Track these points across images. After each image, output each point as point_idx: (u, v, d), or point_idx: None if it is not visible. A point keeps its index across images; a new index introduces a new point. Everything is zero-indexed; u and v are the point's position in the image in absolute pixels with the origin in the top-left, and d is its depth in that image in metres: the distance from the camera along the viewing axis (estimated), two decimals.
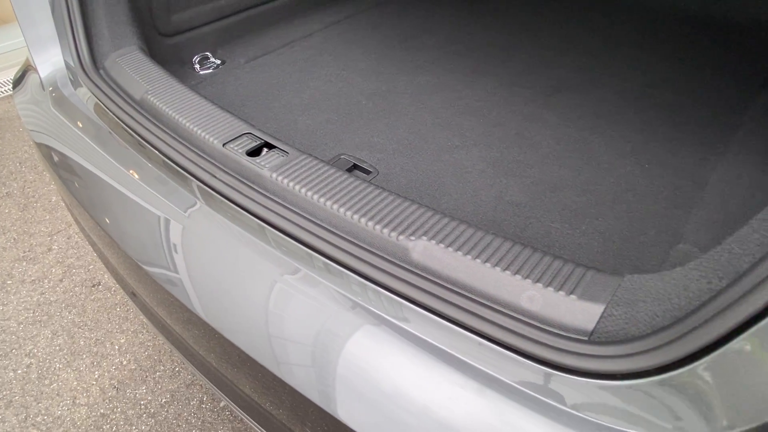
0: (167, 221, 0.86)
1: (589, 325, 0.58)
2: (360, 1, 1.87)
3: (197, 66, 1.49)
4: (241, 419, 1.53)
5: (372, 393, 0.63)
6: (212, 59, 1.52)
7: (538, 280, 0.62)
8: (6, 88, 3.13)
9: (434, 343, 0.61)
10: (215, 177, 0.83)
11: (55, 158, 1.12)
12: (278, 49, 1.61)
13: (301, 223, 0.75)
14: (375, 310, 0.65)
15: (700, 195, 1.01)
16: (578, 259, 0.87)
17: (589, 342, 0.57)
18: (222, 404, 1.58)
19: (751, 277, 0.45)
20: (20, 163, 2.56)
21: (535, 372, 0.57)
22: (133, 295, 1.27)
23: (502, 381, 0.58)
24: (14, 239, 2.14)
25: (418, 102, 1.35)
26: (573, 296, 0.60)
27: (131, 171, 0.96)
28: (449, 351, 0.61)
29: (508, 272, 0.64)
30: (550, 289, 0.61)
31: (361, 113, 1.31)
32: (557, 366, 0.56)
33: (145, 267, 0.88)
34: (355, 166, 1.13)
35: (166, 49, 1.44)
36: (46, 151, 1.14)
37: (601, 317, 0.58)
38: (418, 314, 0.64)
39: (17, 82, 1.36)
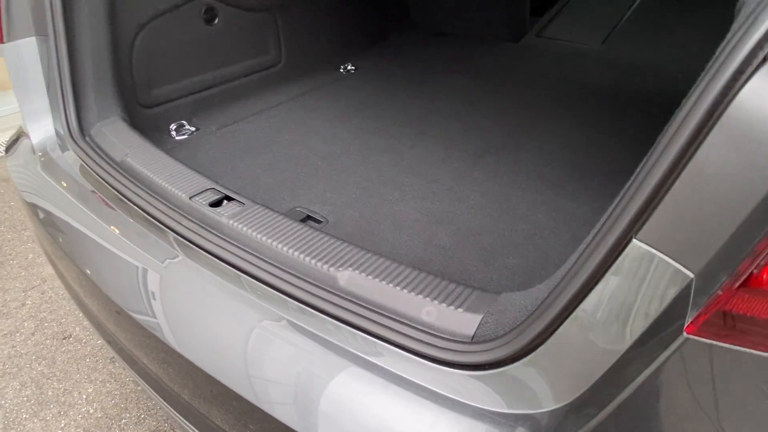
0: (144, 269, 1.01)
1: (471, 331, 0.74)
2: (322, 77, 2.13)
3: (174, 132, 1.69)
4: None
5: (302, 394, 0.77)
6: (187, 126, 1.72)
7: (435, 298, 0.79)
8: None
9: (348, 348, 0.77)
10: (181, 224, 0.99)
11: (42, 215, 1.27)
12: (247, 117, 1.82)
13: (250, 259, 0.91)
14: (305, 326, 0.81)
15: None
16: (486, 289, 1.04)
17: (470, 343, 0.73)
18: None
19: (562, 284, 0.63)
20: None
21: (428, 369, 0.73)
22: (109, 342, 1.38)
23: (403, 377, 0.73)
24: None
25: (367, 162, 1.55)
26: (460, 309, 0.77)
27: (112, 225, 1.11)
28: (360, 354, 0.76)
29: (413, 293, 0.80)
30: (444, 305, 0.78)
31: (316, 172, 1.50)
32: (444, 362, 0.72)
33: (121, 306, 1.02)
34: (308, 217, 1.31)
35: (147, 119, 1.64)
36: (34, 209, 1.29)
37: (479, 324, 0.74)
38: (339, 327, 0.79)
39: (9, 147, 1.52)
